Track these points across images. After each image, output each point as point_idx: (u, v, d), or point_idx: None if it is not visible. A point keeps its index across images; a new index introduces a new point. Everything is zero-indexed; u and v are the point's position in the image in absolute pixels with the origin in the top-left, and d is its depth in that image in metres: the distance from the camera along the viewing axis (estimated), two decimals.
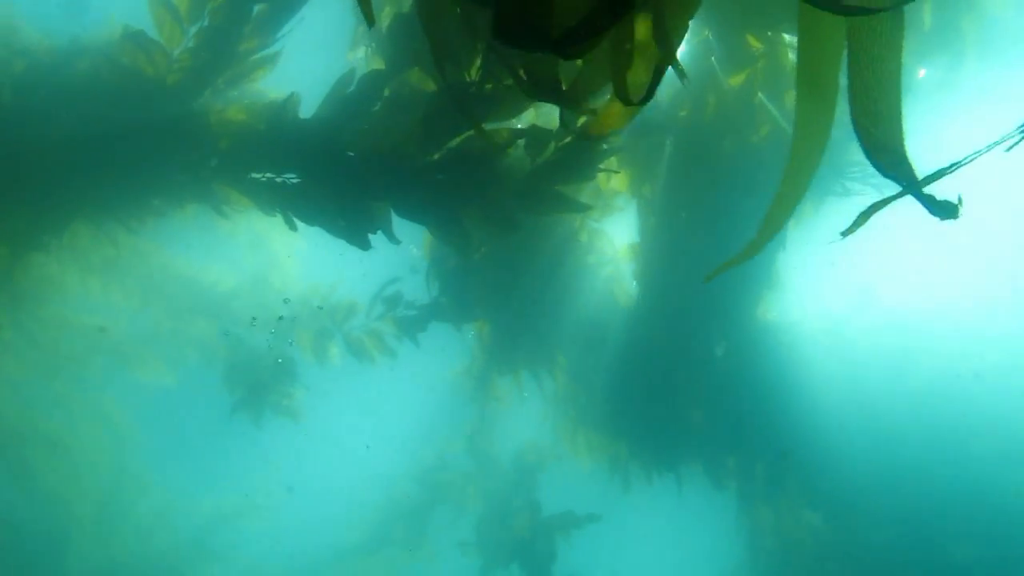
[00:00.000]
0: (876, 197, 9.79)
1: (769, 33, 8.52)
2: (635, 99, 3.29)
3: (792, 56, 8.87)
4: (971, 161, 3.08)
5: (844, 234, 3.32)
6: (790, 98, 9.31)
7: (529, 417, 16.31)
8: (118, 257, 14.41)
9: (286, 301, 16.19)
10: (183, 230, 12.51)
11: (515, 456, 19.74)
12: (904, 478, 13.65)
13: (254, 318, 17.24)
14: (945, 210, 3.11)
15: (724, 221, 10.45)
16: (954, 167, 3.17)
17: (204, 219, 11.34)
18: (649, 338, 12.11)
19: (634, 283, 12.30)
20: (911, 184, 3.28)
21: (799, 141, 3.41)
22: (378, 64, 9.53)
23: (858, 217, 3.27)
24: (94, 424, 20.89)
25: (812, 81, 3.29)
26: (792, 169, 3.47)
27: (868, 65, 3.09)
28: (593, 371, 13.33)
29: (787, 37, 8.67)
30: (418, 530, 23.79)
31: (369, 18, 4.50)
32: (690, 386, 12.50)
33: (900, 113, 3.15)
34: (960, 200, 3.05)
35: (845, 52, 3.26)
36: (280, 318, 16.45)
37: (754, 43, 8.72)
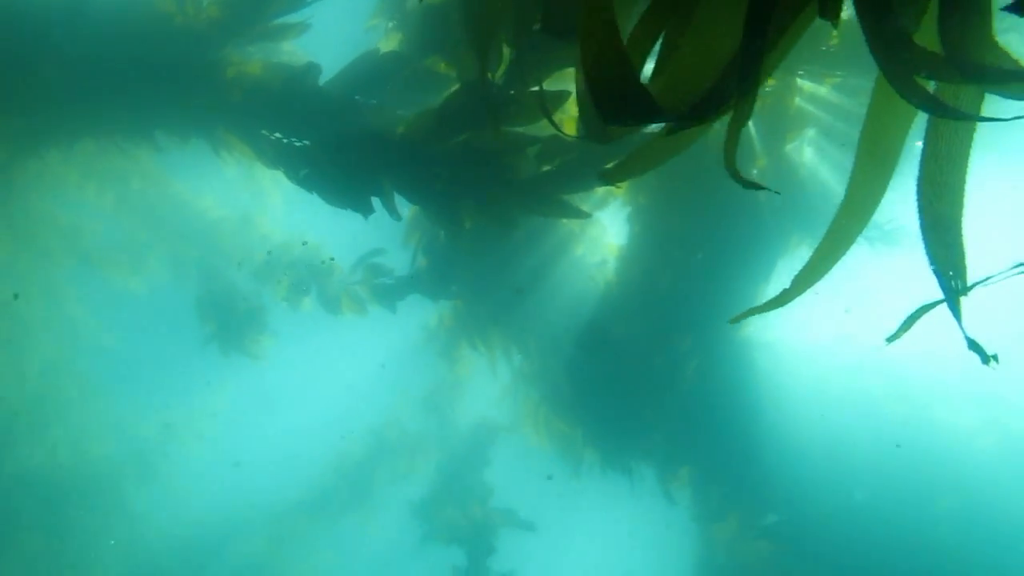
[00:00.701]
0: (867, 250, 9.70)
1: (787, 77, 8.34)
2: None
3: (799, 100, 8.72)
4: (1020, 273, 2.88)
5: (889, 340, 3.18)
6: (790, 139, 9.17)
7: (492, 390, 15.99)
8: (120, 167, 14.00)
9: (304, 243, 15.57)
10: (185, 152, 12.02)
11: (471, 426, 19.57)
12: (857, 522, 13.40)
13: (269, 252, 16.66)
14: (977, 350, 2.94)
15: (711, 241, 10.34)
16: (999, 276, 2.93)
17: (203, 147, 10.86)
18: (623, 337, 11.91)
19: (618, 282, 12.04)
20: (956, 282, 3.02)
21: (851, 199, 3.17)
22: (396, 40, 9.26)
23: (904, 321, 3.11)
24: (51, 318, 20.07)
25: (877, 141, 3.05)
26: (838, 226, 3.25)
27: (944, 135, 2.86)
28: (563, 357, 13.06)
29: (799, 81, 8.50)
30: (364, 488, 23.52)
31: None
32: (656, 391, 12.34)
33: (964, 189, 2.92)
34: (996, 358, 2.91)
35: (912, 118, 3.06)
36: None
37: (767, 80, 8.51)
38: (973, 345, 2.94)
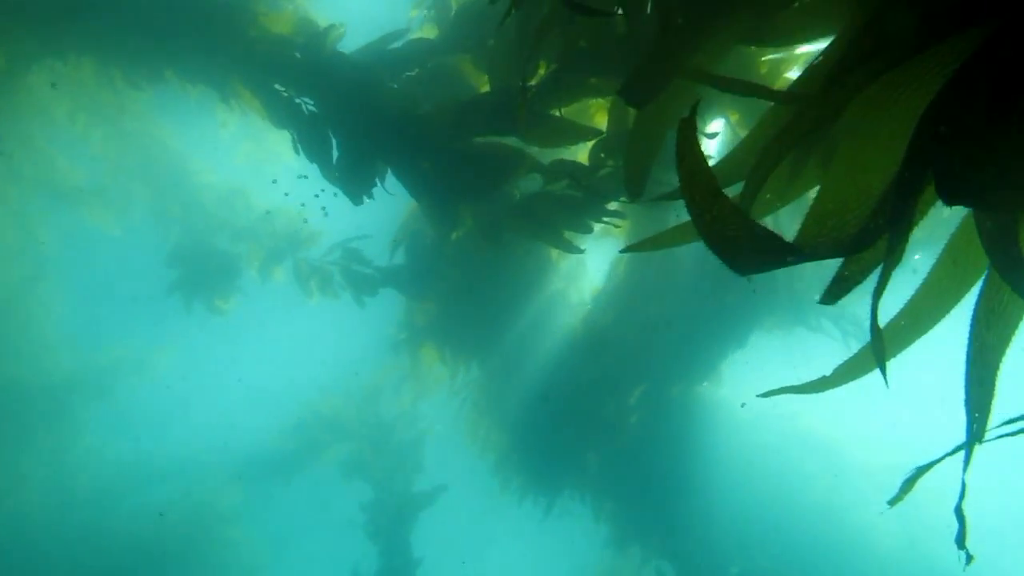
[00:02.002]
0: (839, 340, 9.35)
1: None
2: None
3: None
4: None
5: (891, 503, 2.96)
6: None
7: (441, 392, 15.46)
8: (115, 105, 13.20)
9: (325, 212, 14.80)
10: (185, 105, 11.31)
11: (413, 418, 19.12)
12: None
13: (268, 211, 15.76)
14: (959, 543, 2.77)
15: (689, 303, 10.03)
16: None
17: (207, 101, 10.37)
18: (580, 370, 11.55)
19: (588, 322, 11.66)
20: (978, 424, 2.69)
21: (920, 302, 2.85)
22: (430, 33, 8.85)
23: (904, 484, 2.90)
24: (20, 243, 19.41)
25: (963, 253, 2.67)
26: (896, 327, 2.86)
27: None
28: (517, 376, 12.66)
29: None
30: (294, 458, 22.87)
31: None
32: (599, 429, 12.04)
33: (1018, 327, 2.64)
34: (969, 558, 2.77)
35: None
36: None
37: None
38: (960, 516, 2.77)
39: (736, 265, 2.18)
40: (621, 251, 4.06)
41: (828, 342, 10.44)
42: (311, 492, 24.63)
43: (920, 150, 1.98)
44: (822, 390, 2.93)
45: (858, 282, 2.40)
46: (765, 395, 3.09)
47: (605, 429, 12.10)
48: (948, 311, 2.75)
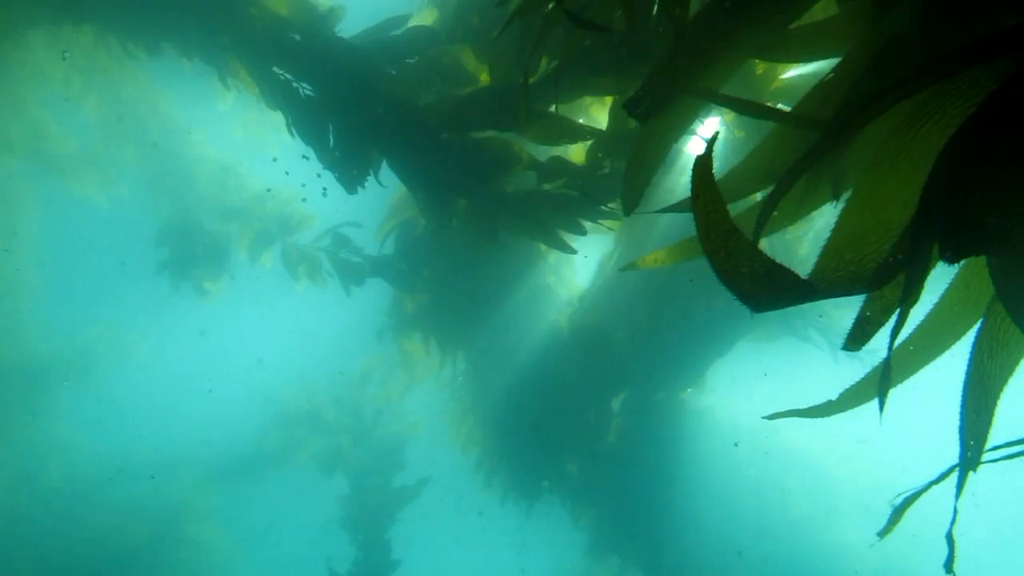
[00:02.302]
0: (828, 352, 9.33)
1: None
2: None
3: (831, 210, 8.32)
4: None
5: (880, 535, 2.96)
6: (793, 229, 8.78)
7: (426, 385, 15.31)
8: (112, 70, 12.99)
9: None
10: (185, 73, 11.07)
11: (396, 413, 18.98)
12: None
13: (268, 189, 15.48)
14: (947, 567, 2.75)
15: (678, 307, 9.97)
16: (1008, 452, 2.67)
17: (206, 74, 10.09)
18: (564, 371, 11.46)
19: (577, 322, 11.58)
20: (973, 452, 2.66)
21: (930, 326, 2.79)
22: (431, 16, 8.75)
23: (892, 514, 2.92)
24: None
25: (976, 277, 2.68)
26: (904, 351, 2.87)
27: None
28: (504, 375, 12.56)
29: None
30: (273, 451, 22.61)
31: None
32: (582, 434, 11.95)
33: (1022, 358, 2.58)
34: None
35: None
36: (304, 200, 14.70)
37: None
38: (950, 541, 2.74)
39: (750, 301, 2.13)
40: (621, 269, 4.06)
41: (815, 352, 10.47)
42: (287, 487, 24.32)
43: (936, 193, 1.94)
44: (827, 415, 2.90)
45: (882, 323, 2.35)
46: (770, 418, 3.05)
47: (587, 433, 12.03)
48: (960, 337, 2.70)
